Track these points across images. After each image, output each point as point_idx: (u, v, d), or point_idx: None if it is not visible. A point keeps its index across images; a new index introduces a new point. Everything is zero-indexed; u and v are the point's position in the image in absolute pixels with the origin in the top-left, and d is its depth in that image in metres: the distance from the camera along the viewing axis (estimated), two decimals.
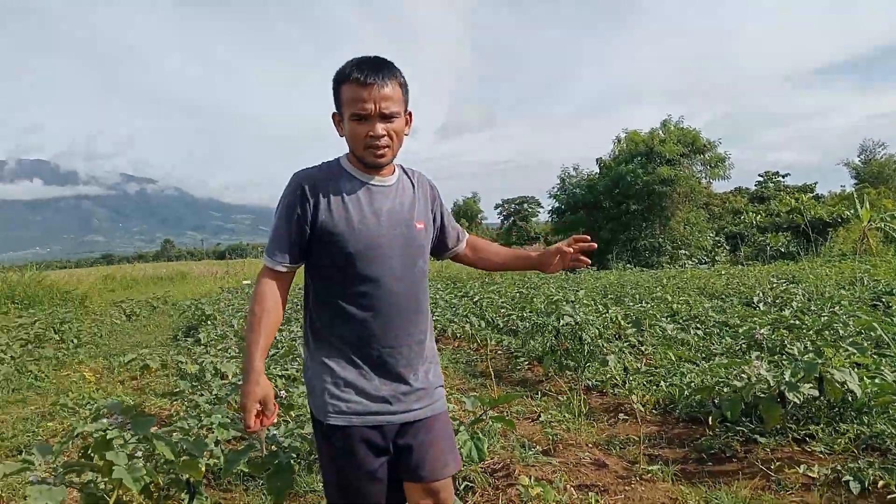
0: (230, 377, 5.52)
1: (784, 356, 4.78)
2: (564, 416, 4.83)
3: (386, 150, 2.03)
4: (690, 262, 24.87)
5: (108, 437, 2.05)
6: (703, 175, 29.76)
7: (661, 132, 29.33)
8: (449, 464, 2.14)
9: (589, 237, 2.27)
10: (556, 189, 32.98)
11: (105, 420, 2.11)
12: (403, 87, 2.06)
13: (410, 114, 2.13)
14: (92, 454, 2.48)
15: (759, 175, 44.10)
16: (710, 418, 4.34)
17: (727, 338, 6.56)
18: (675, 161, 28.07)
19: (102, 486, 2.41)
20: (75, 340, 10.49)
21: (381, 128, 1.99)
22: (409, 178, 2.22)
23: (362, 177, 2.10)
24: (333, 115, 2.10)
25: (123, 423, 2.09)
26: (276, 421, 2.37)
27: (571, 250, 2.28)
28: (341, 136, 2.09)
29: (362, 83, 1.95)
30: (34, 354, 8.79)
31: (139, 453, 2.18)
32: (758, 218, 31.83)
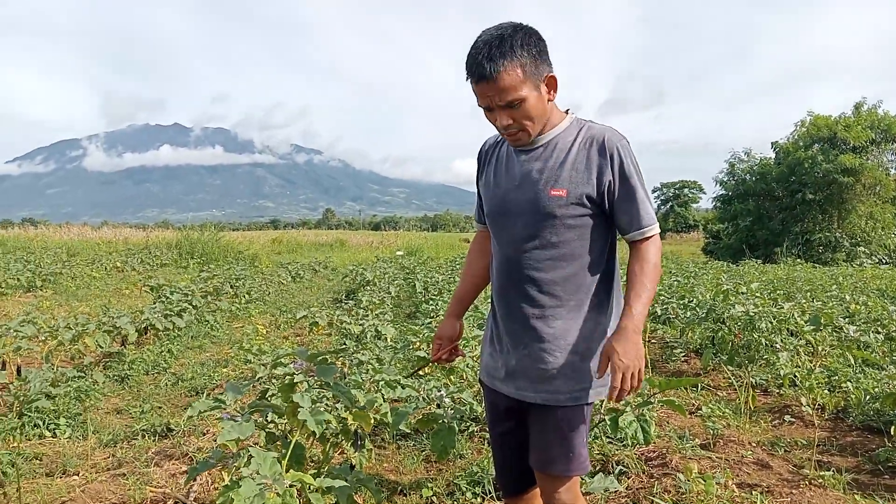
0: (389, 339, 5.75)
1: None
2: (725, 412, 4.61)
3: (518, 134, 1.92)
4: (870, 261, 22.88)
5: (294, 380, 2.19)
6: (894, 166, 27.05)
7: (851, 116, 26.88)
8: (554, 462, 1.98)
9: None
10: (723, 174, 31.09)
11: (291, 365, 2.27)
12: (528, 60, 1.82)
13: (550, 78, 1.89)
14: (270, 397, 2.68)
15: None
16: (893, 428, 3.99)
17: None
18: (862, 149, 25.71)
19: (282, 427, 2.61)
20: (247, 296, 11.32)
21: (505, 118, 1.88)
22: (574, 137, 1.95)
23: None
24: None
25: (308, 369, 2.23)
26: (453, 361, 2.45)
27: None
28: None
29: (476, 80, 1.84)
30: (211, 306, 9.60)
31: (316, 399, 2.34)
32: None
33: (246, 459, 1.88)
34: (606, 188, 1.90)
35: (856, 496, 3.25)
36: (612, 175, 1.89)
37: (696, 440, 3.97)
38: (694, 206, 67.05)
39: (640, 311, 1.84)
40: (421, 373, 3.09)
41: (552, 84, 1.91)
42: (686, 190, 67.60)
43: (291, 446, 2.23)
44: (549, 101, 1.92)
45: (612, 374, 1.80)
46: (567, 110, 2.03)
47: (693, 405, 4.88)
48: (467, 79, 1.88)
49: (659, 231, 1.96)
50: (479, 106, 1.91)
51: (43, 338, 5.90)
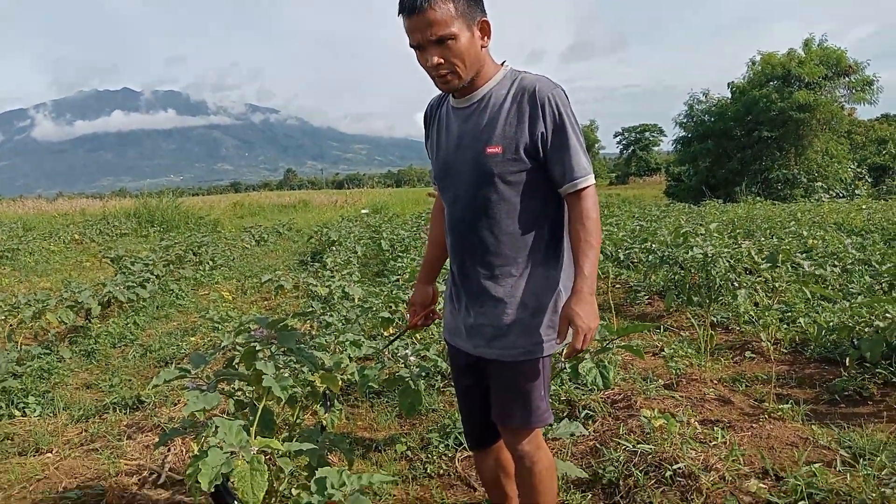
0: (356, 300, 5.76)
1: None
2: (688, 352, 4.73)
3: (449, 75, 1.86)
4: (827, 196, 23.37)
5: (255, 348, 2.20)
6: (847, 100, 27.38)
7: (801, 53, 27.08)
8: (513, 416, 2.03)
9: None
10: (682, 116, 31.27)
11: (252, 333, 2.27)
12: (459, 0, 1.79)
13: (485, 21, 1.86)
14: (236, 365, 2.68)
15: None
16: (848, 359, 4.14)
17: (867, 277, 6.19)
18: (816, 85, 25.98)
19: (249, 394, 2.62)
20: (211, 262, 11.18)
21: (435, 57, 1.82)
22: (507, 90, 1.91)
23: (451, 99, 2.04)
24: None
25: (269, 337, 2.23)
26: (420, 326, 2.48)
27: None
28: None
29: (406, 13, 1.80)
30: (175, 275, 9.46)
31: (281, 365, 2.35)
32: None
33: (213, 429, 1.88)
34: (540, 139, 1.86)
35: (813, 426, 3.38)
36: (545, 126, 1.86)
37: (660, 381, 4.08)
38: (655, 149, 67.52)
39: (590, 271, 1.86)
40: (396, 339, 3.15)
41: (485, 29, 1.88)
42: (647, 133, 67.94)
43: (259, 412, 2.24)
44: (482, 47, 1.89)
45: (573, 335, 1.83)
46: (503, 62, 2.00)
47: (657, 346, 4.99)
48: (399, 14, 1.83)
49: (594, 182, 1.92)
50: (411, 46, 1.86)
51: (3, 316, 5.80)
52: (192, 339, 5.97)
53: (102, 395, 4.64)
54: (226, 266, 11.39)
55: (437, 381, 4.22)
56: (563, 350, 1.98)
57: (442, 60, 1.83)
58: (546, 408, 2.04)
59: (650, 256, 7.30)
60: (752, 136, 27.47)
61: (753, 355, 4.76)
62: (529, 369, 1.99)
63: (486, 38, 1.89)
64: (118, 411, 4.21)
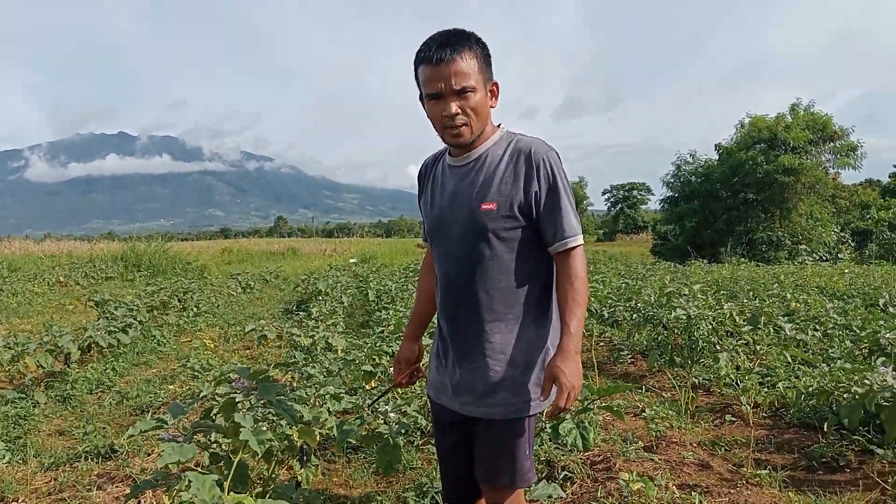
0: (339, 352, 5.73)
1: None
2: (668, 413, 4.73)
3: (462, 128, 1.91)
4: (811, 259, 23.64)
5: (235, 400, 2.19)
6: (832, 165, 27.91)
7: (788, 117, 27.69)
8: (499, 475, 2.01)
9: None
10: (669, 176, 31.75)
11: (232, 384, 2.26)
12: (481, 57, 1.90)
13: (496, 84, 1.98)
14: (214, 416, 2.66)
15: (894, 166, 41.10)
16: (826, 425, 4.14)
17: (847, 341, 6.23)
18: (801, 149, 26.51)
19: (225, 446, 2.60)
20: (195, 309, 11.09)
21: (454, 106, 1.88)
22: (504, 150, 1.98)
23: (448, 158, 2.10)
24: (420, 97, 1.99)
25: (249, 388, 2.23)
26: (405, 384, 2.46)
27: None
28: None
29: (432, 62, 1.86)
30: (158, 320, 9.38)
31: (259, 417, 2.34)
32: (889, 213, 29.76)
33: (186, 483, 1.87)
34: (534, 199, 1.92)
35: (790, 493, 3.37)
36: (539, 186, 1.92)
37: (640, 443, 4.05)
38: (643, 207, 68.34)
39: (576, 330, 1.89)
40: (373, 390, 3.14)
41: (495, 92, 1.98)
42: (635, 192, 68.85)
43: (234, 466, 2.22)
44: (491, 107, 1.98)
45: (557, 393, 1.85)
46: (499, 125, 2.06)
47: (638, 407, 4.98)
48: (419, 65, 1.91)
49: (582, 242, 1.97)
50: (428, 94, 1.91)
51: None
52: (171, 387, 5.90)
53: (75, 443, 4.56)
54: (210, 313, 11.30)
55: (416, 437, 4.18)
56: (546, 410, 1.99)
57: (459, 111, 1.89)
58: (530, 467, 2.04)
59: (634, 315, 7.33)
60: (738, 198, 27.88)
61: (733, 418, 4.75)
62: (517, 428, 1.99)
63: (494, 99, 1.98)
64: (90, 460, 4.13)
